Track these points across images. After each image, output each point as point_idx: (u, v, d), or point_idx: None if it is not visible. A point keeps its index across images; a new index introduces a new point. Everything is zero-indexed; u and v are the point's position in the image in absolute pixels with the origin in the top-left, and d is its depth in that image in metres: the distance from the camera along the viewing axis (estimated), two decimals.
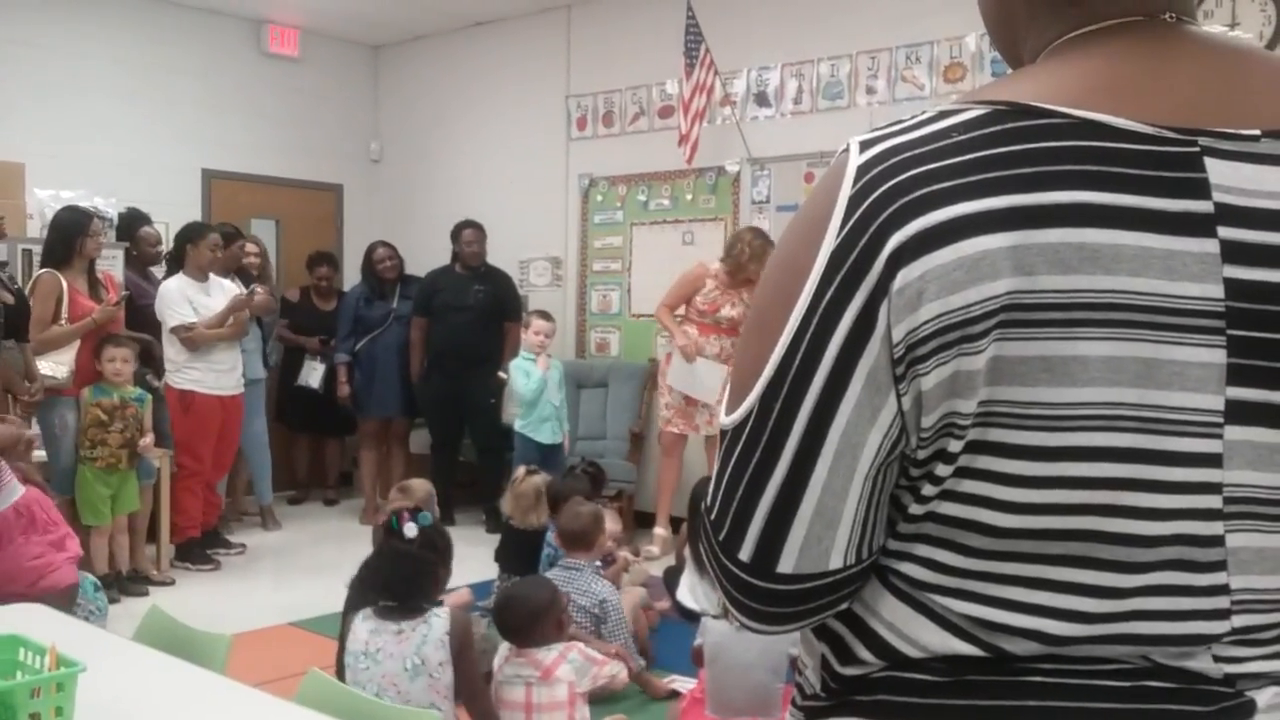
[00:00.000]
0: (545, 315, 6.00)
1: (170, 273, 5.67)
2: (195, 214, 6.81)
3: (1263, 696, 0.75)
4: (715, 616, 3.09)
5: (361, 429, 6.91)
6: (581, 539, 3.97)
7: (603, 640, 3.69)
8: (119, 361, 4.99)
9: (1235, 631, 0.75)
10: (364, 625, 2.79)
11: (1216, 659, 0.75)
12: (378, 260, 6.78)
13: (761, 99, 6.08)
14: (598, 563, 4.06)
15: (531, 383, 5.68)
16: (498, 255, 6.70)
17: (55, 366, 4.87)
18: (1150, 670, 0.75)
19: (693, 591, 3.78)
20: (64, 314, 4.93)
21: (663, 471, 5.96)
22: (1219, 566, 0.74)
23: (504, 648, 3.17)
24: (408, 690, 2.69)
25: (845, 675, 0.83)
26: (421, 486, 4.15)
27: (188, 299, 5.47)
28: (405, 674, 2.70)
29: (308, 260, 7.18)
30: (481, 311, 6.29)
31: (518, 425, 5.76)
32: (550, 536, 4.46)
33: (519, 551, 4.53)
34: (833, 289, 0.73)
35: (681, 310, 5.75)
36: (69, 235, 5.00)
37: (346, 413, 6.88)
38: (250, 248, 6.39)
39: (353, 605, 3.00)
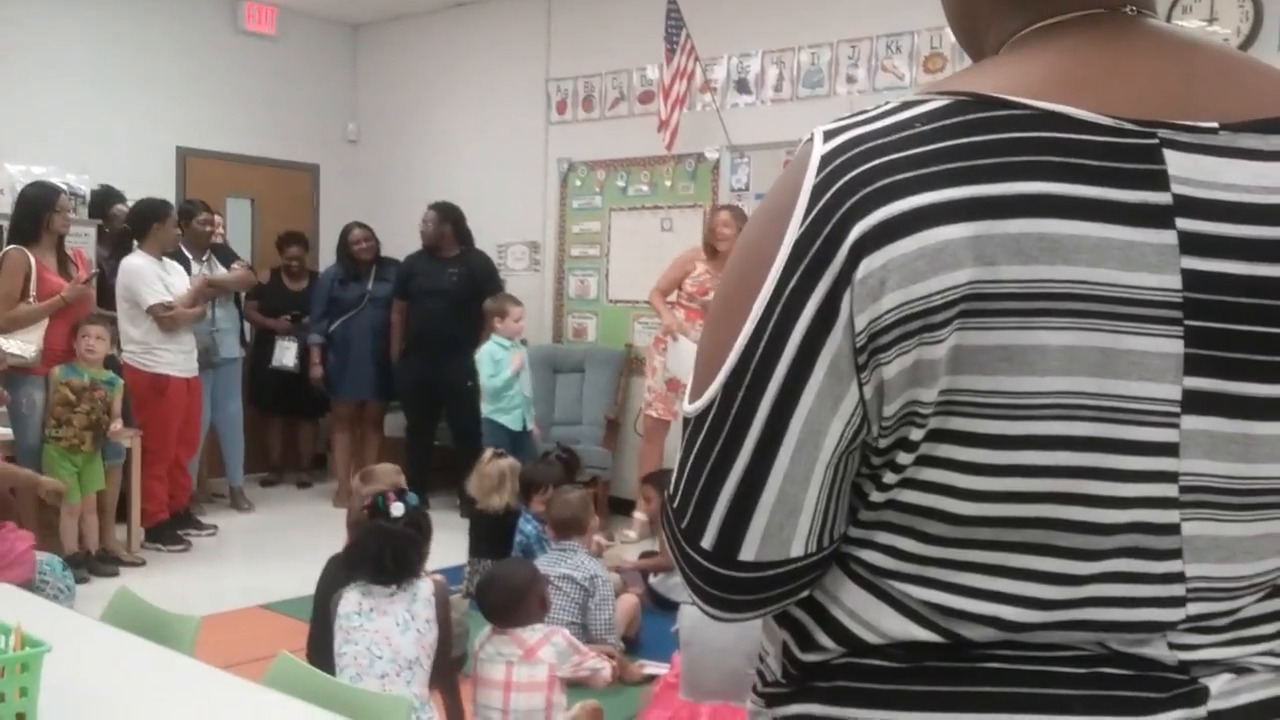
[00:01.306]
0: (518, 301, 5.99)
1: (125, 249, 5.49)
2: (169, 192, 6.73)
3: (1216, 683, 0.76)
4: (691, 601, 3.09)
5: (335, 411, 6.86)
6: (573, 525, 4.00)
7: (588, 615, 3.72)
8: (92, 338, 4.92)
9: (1190, 619, 0.76)
10: (354, 592, 2.90)
11: (1172, 646, 0.76)
12: (353, 241, 6.71)
13: (742, 86, 6.07)
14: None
15: (498, 377, 5.66)
16: (477, 239, 6.64)
17: (23, 345, 4.80)
18: (1106, 657, 0.76)
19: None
20: (32, 291, 4.86)
21: (644, 457, 5.97)
22: (1174, 554, 0.75)
23: (486, 628, 3.18)
24: (398, 643, 2.79)
25: (805, 662, 0.83)
26: (387, 472, 4.10)
27: (159, 276, 5.40)
28: (397, 628, 2.81)
29: (278, 240, 7.11)
30: (456, 294, 6.24)
31: (486, 411, 5.74)
32: (522, 523, 4.46)
33: (487, 535, 4.53)
34: (795, 278, 0.73)
35: (674, 296, 5.76)
36: (36, 211, 4.93)
37: (320, 395, 6.83)
38: (216, 219, 6.24)
39: (333, 583, 3.06)
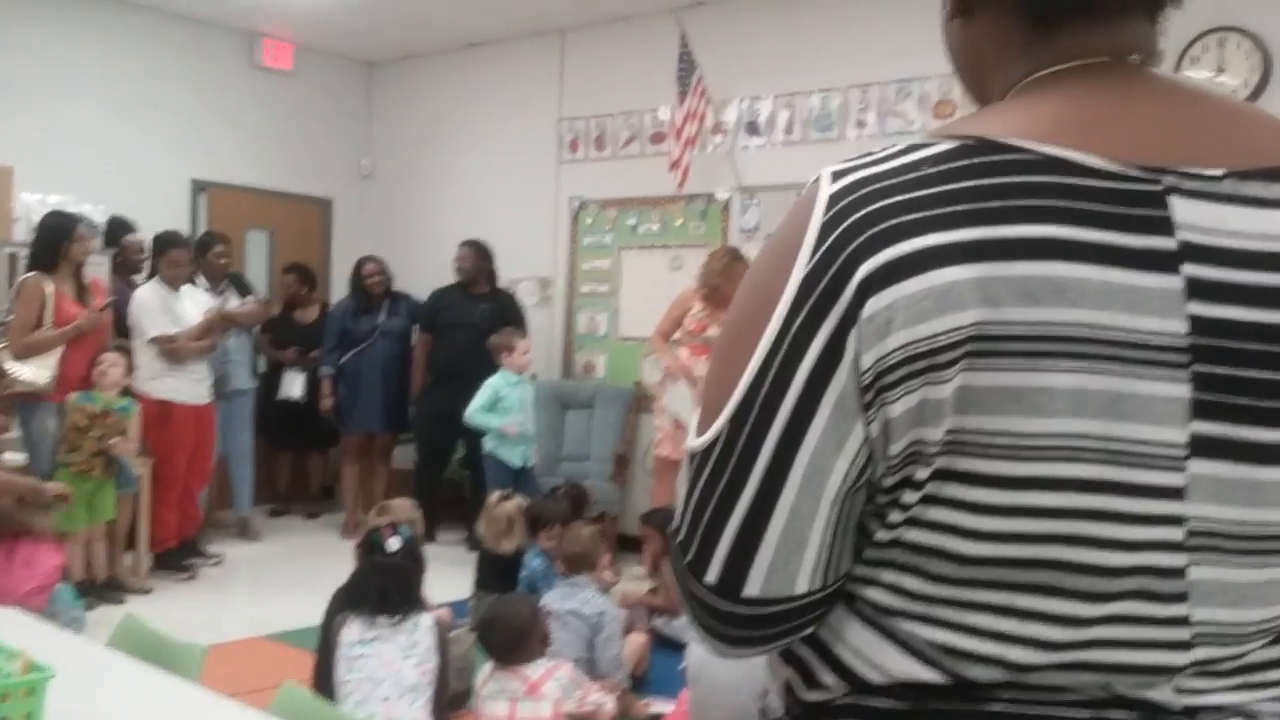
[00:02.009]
0: (523, 334, 6.04)
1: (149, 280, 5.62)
2: (183, 224, 6.81)
3: None
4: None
5: (344, 444, 6.88)
6: (584, 560, 3.99)
7: (595, 651, 3.70)
8: (107, 365, 4.98)
9: (1196, 664, 0.76)
10: (357, 622, 2.93)
11: (1178, 690, 0.76)
12: (366, 275, 6.77)
13: (753, 128, 6.12)
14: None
15: (487, 415, 5.61)
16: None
17: (38, 371, 4.84)
18: (1111, 701, 0.76)
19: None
20: (49, 318, 4.90)
21: (655, 497, 5.96)
22: (1180, 598, 0.75)
23: (488, 665, 3.17)
24: (400, 668, 2.82)
25: (809, 701, 0.83)
26: (403, 507, 4.12)
27: (166, 308, 5.46)
28: (399, 655, 2.85)
29: (281, 270, 7.21)
30: (485, 330, 6.26)
31: (488, 447, 5.74)
32: (529, 557, 4.45)
33: (494, 569, 4.53)
34: (802, 315, 0.74)
35: (677, 335, 5.79)
36: (54, 240, 4.98)
37: (329, 426, 6.85)
38: (216, 249, 6.23)
39: (337, 614, 3.07)
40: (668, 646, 4.22)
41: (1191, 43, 4.69)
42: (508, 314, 6.51)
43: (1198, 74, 4.63)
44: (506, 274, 7.03)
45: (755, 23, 6.09)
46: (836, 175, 0.78)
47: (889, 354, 0.72)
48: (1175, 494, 0.73)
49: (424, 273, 6.89)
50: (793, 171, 5.81)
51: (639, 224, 6.64)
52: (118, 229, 6.10)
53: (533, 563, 4.42)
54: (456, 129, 7.61)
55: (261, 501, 6.83)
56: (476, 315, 6.40)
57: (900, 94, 5.59)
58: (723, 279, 5.45)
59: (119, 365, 5.03)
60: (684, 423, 5.63)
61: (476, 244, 6.63)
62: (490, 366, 5.92)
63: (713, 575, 0.78)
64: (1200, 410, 0.72)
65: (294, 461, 7.30)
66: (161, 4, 6.92)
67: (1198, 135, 0.77)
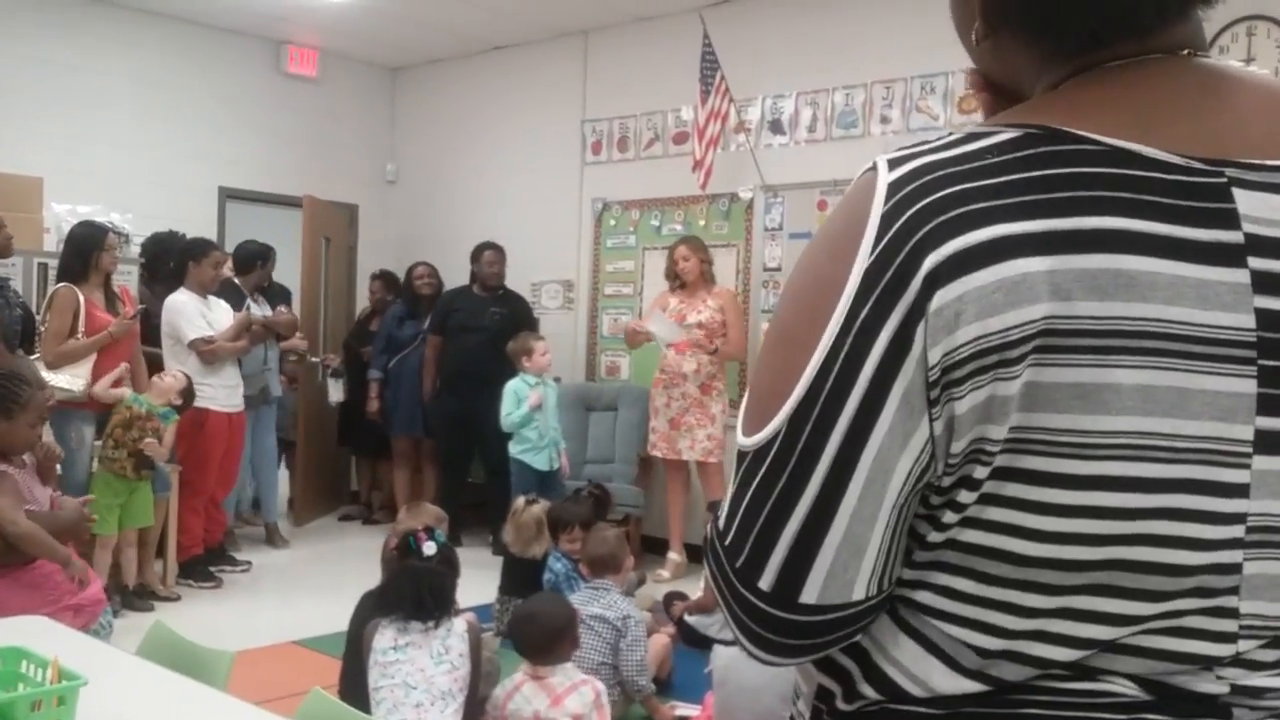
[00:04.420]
0: (539, 335, 6.11)
1: (169, 288, 5.64)
2: (211, 231, 6.86)
3: None
4: (728, 643, 3.08)
5: (395, 448, 6.97)
6: (609, 563, 3.98)
7: (619, 657, 3.69)
8: (168, 374, 5.16)
9: (1239, 655, 0.75)
10: (391, 627, 2.94)
11: (1219, 679, 0.75)
12: (416, 277, 6.96)
13: (776, 126, 6.10)
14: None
15: (517, 413, 5.67)
16: (510, 277, 6.73)
17: (72, 379, 4.89)
18: (1146, 704, 0.75)
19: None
20: (80, 328, 4.96)
21: (670, 496, 5.96)
22: (1231, 591, 0.74)
23: (516, 675, 3.16)
24: (432, 674, 2.83)
25: (843, 710, 0.82)
26: (430, 510, 4.15)
27: (200, 313, 5.51)
28: (431, 661, 2.86)
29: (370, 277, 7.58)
30: (497, 333, 6.29)
31: (514, 452, 5.75)
32: (551, 561, 4.44)
33: (518, 574, 4.54)
34: (867, 309, 0.71)
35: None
36: (85, 250, 5.04)
37: (379, 431, 6.93)
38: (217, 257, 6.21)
39: (367, 620, 3.09)
40: (699, 645, 4.19)
41: (1220, 32, 4.64)
42: (519, 316, 6.55)
43: (1227, 63, 4.57)
44: (530, 277, 7.07)
45: (778, 20, 6.07)
46: (894, 163, 0.75)
47: (958, 348, 0.69)
48: (1240, 491, 0.72)
49: (449, 277, 6.92)
50: (816, 170, 5.79)
51: (662, 225, 6.63)
52: (164, 242, 6.07)
53: (555, 566, 4.41)
54: (480, 133, 7.63)
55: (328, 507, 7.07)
56: (488, 318, 6.43)
57: (925, 89, 5.55)
58: (672, 262, 5.84)
59: (181, 381, 5.13)
60: (679, 422, 5.67)
61: (499, 246, 6.67)
62: (504, 368, 5.94)
63: (766, 581, 0.75)
64: (1266, 405, 0.71)
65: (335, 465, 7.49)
66: (188, 13, 6.98)
67: (1256, 125, 0.75)
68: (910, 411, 0.71)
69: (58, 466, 4.92)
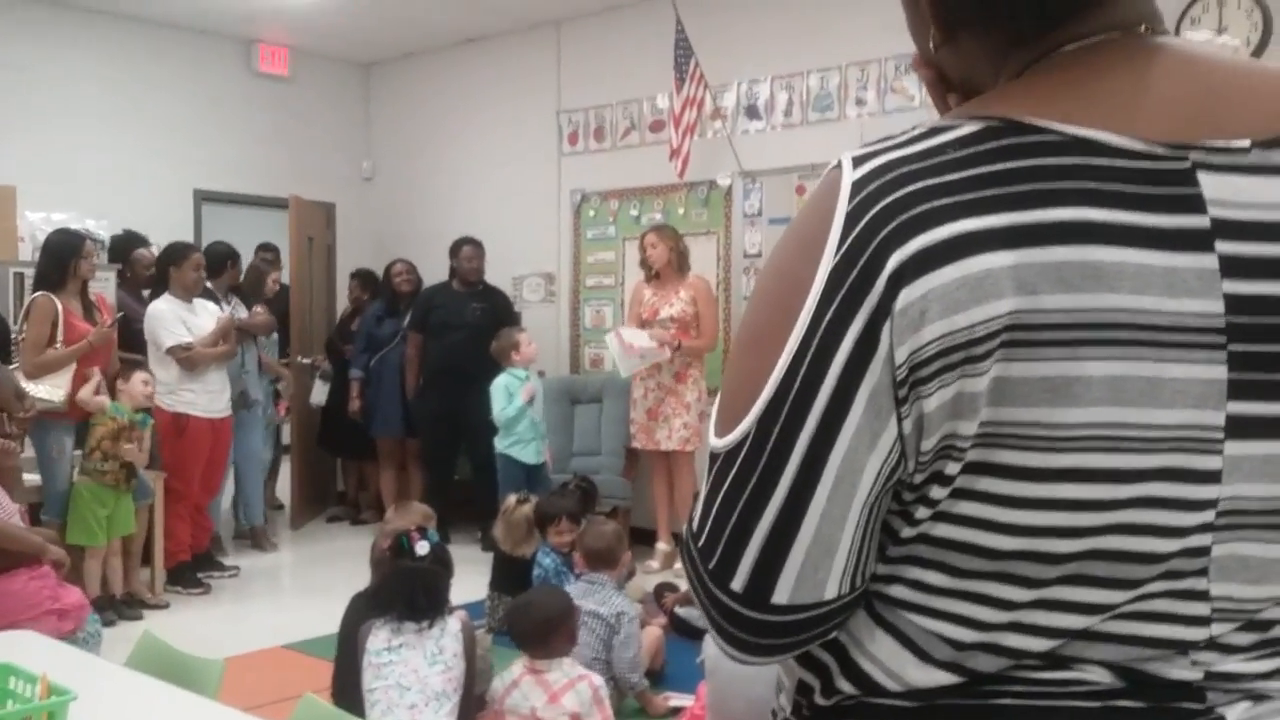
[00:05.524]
0: (521, 328, 6.12)
1: (156, 294, 5.62)
2: (188, 235, 6.81)
3: (1233, 712, 0.75)
4: None
5: (380, 448, 6.92)
6: (606, 557, 3.97)
7: (612, 652, 3.69)
8: (136, 380, 5.07)
9: (1212, 639, 0.75)
10: (385, 628, 2.93)
11: (1194, 664, 0.76)
12: (394, 274, 6.90)
13: (752, 112, 6.09)
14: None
15: (511, 407, 5.67)
16: (491, 272, 6.71)
17: (51, 390, 4.84)
18: (1120, 690, 0.75)
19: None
20: (59, 337, 4.91)
21: (654, 486, 5.97)
22: (1200, 573, 0.74)
23: (515, 669, 3.16)
24: (426, 675, 2.82)
25: (821, 705, 0.82)
26: (419, 509, 4.13)
27: (180, 319, 5.46)
28: (425, 661, 2.85)
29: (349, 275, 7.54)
30: (479, 329, 6.27)
31: (501, 447, 5.74)
32: (541, 555, 4.44)
33: (510, 575, 4.53)
34: (833, 309, 0.71)
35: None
36: (62, 258, 4.99)
37: (359, 431, 6.88)
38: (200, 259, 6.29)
39: (358, 621, 3.08)
40: (691, 636, 4.20)
41: (1192, 3, 4.65)
42: (500, 310, 6.53)
43: (1199, 35, 4.58)
44: (510, 270, 7.04)
45: (751, 4, 6.05)
46: (858, 161, 0.75)
47: (924, 346, 0.69)
48: (1213, 477, 0.72)
49: (428, 274, 6.89)
50: (794, 154, 5.78)
51: (641, 214, 6.62)
52: (129, 243, 6.08)
53: (543, 561, 4.40)
54: (455, 127, 7.59)
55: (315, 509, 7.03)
56: (469, 313, 6.40)
57: (900, 70, 5.54)
58: (641, 250, 5.84)
59: (151, 383, 5.09)
60: (656, 412, 5.72)
61: (478, 241, 6.63)
62: (487, 364, 5.92)
63: (739, 582, 0.75)
64: (1236, 391, 0.71)
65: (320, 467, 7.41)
66: (156, 15, 6.91)
67: (1218, 105, 0.74)
68: (878, 411, 0.71)
69: (36, 477, 4.91)
